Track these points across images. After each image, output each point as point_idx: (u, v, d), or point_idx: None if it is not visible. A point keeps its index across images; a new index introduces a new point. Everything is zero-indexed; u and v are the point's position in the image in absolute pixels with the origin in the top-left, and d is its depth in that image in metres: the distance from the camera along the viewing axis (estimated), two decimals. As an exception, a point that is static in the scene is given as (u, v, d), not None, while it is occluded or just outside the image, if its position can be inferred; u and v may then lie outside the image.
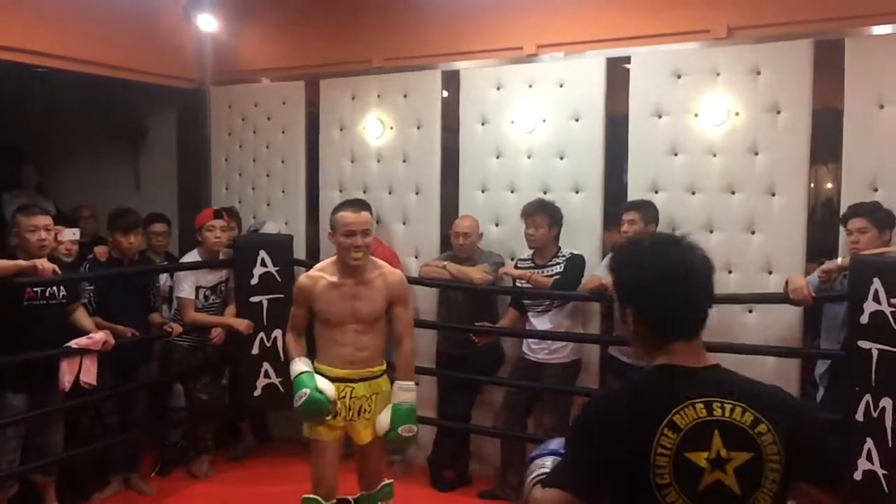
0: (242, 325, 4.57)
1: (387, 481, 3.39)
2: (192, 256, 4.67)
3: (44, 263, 3.62)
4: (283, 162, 5.40)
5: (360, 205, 3.25)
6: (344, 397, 3.21)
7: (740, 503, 1.44)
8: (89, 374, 3.84)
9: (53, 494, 3.99)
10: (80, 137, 6.37)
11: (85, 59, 4.87)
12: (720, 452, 1.43)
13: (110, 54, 5.01)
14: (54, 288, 3.83)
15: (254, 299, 4.64)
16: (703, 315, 1.55)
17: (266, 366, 4.67)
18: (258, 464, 4.96)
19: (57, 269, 3.70)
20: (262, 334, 4.65)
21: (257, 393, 4.67)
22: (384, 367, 3.33)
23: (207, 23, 5.41)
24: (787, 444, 1.45)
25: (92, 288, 4.23)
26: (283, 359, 4.67)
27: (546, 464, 1.65)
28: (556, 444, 1.72)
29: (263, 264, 4.65)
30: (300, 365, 3.23)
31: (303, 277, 3.33)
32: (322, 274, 3.25)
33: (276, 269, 4.67)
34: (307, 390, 3.12)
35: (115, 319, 4.17)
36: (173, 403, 4.87)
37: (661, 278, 1.51)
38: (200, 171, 5.71)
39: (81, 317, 4.02)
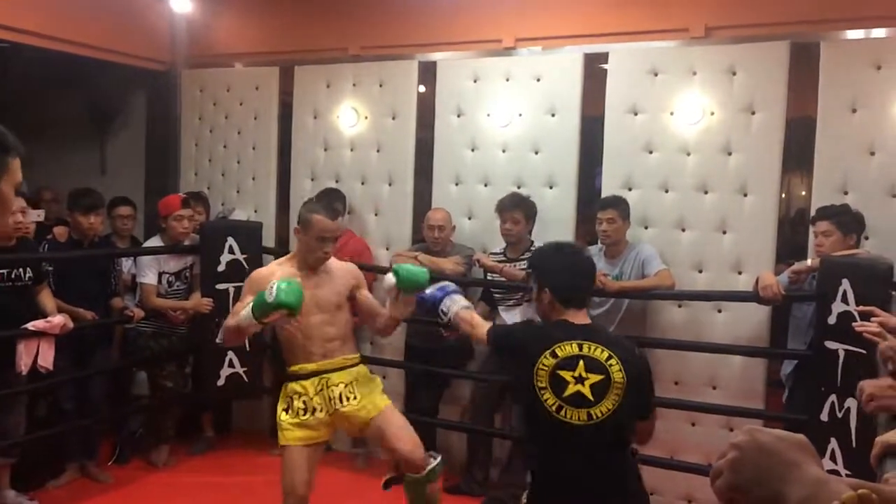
0: (202, 305, 4.49)
1: (435, 462, 3.10)
2: (155, 242, 4.57)
3: None
4: (254, 148, 5.32)
5: (334, 211, 3.23)
6: (321, 390, 3.06)
7: (592, 405, 2.29)
8: (46, 359, 3.74)
9: (8, 481, 3.88)
10: (44, 117, 6.20)
11: (50, 35, 4.73)
12: (582, 374, 2.30)
13: (78, 31, 4.89)
14: (20, 269, 3.73)
15: (220, 286, 4.55)
16: (586, 294, 2.53)
17: (230, 355, 4.58)
18: (219, 454, 4.87)
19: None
20: (227, 322, 4.56)
21: (221, 382, 4.59)
22: (359, 356, 3.22)
23: (181, 4, 5.30)
24: (628, 372, 2.31)
25: (51, 269, 4.11)
26: (248, 349, 4.63)
27: (462, 300, 2.87)
28: (451, 286, 2.87)
29: (231, 251, 4.57)
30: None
31: (259, 270, 3.23)
32: (279, 268, 3.13)
33: (244, 256, 4.59)
34: (271, 283, 2.80)
35: (73, 302, 4.06)
36: (136, 391, 4.76)
37: (569, 271, 2.45)
38: (169, 156, 5.60)
39: (45, 299, 3.92)
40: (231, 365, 4.60)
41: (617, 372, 2.29)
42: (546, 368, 2.30)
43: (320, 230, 3.05)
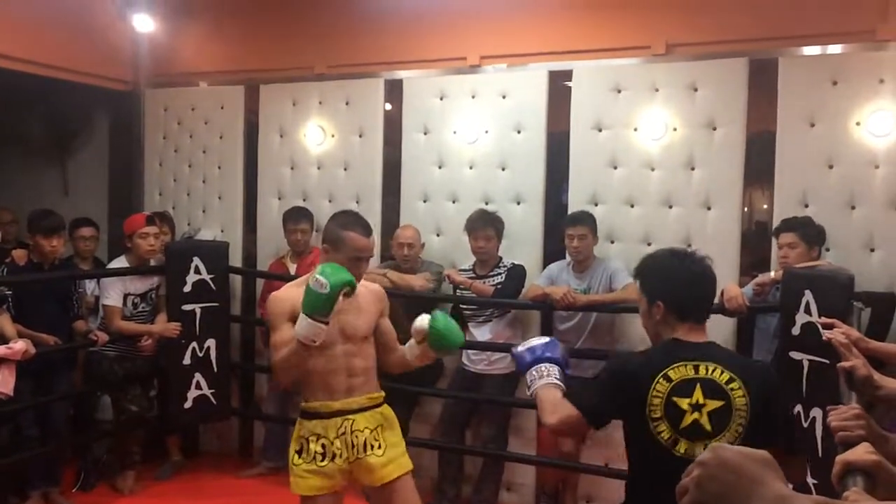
0: (169, 330, 4.42)
1: None
2: (120, 263, 4.49)
3: None
4: (220, 168, 5.27)
5: (368, 226, 2.76)
6: (343, 433, 2.71)
7: (710, 438, 1.95)
8: (6, 385, 3.64)
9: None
10: (5, 138, 6.10)
11: (10, 55, 4.66)
12: (699, 399, 1.97)
13: (39, 51, 4.81)
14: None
15: (186, 307, 4.49)
16: (710, 307, 2.18)
17: (198, 377, 4.53)
18: (186, 478, 4.78)
19: None
20: (194, 344, 4.51)
21: (188, 405, 4.52)
22: (383, 394, 2.87)
23: (143, 23, 5.26)
24: (754, 398, 1.99)
25: (10, 293, 4.02)
26: (215, 370, 4.57)
27: (552, 372, 2.18)
28: (544, 348, 2.25)
29: (197, 272, 4.52)
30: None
31: (279, 292, 2.75)
32: (298, 289, 2.65)
33: (211, 276, 4.55)
34: (313, 277, 2.47)
35: (34, 326, 3.98)
36: (101, 416, 4.67)
37: (689, 280, 2.10)
38: (133, 176, 5.53)
39: (4, 324, 3.83)
40: (198, 387, 4.54)
41: (739, 397, 1.98)
42: (661, 395, 1.98)
43: (354, 249, 2.66)
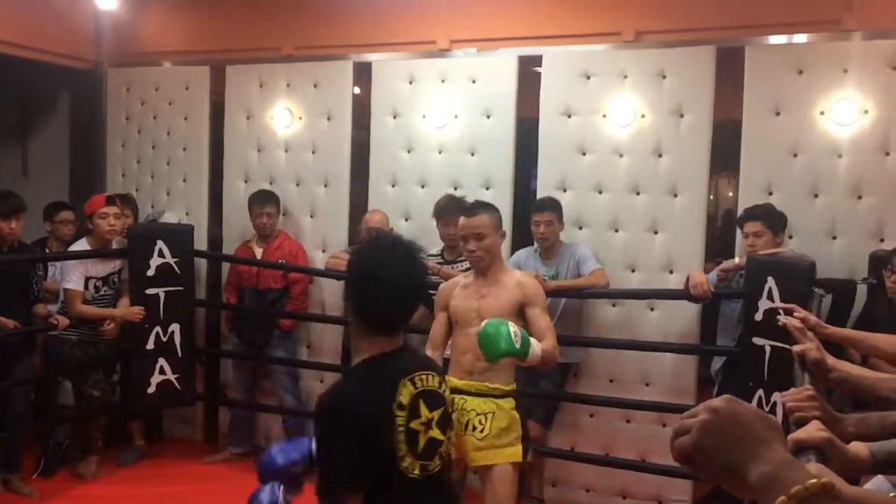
0: (132, 314, 4.36)
1: None
2: (81, 245, 4.39)
3: None
4: (184, 149, 5.18)
5: (473, 207, 3.08)
6: (455, 410, 2.66)
7: (443, 445, 1.84)
8: (-37, 369, 3.57)
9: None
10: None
11: (-34, 31, 4.53)
12: (425, 415, 1.79)
13: (-3, 28, 4.68)
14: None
15: (150, 291, 4.42)
16: (410, 317, 1.88)
17: (161, 361, 4.47)
18: (149, 464, 4.73)
19: None
20: (157, 328, 4.45)
21: (151, 390, 4.46)
22: (511, 387, 2.92)
23: (105, 0, 5.12)
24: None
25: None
26: (179, 355, 4.51)
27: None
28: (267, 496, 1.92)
29: (161, 255, 4.44)
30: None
31: (444, 283, 3.18)
32: (459, 279, 3.11)
33: (175, 260, 4.47)
34: (508, 331, 2.55)
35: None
36: (62, 401, 4.58)
37: (383, 283, 1.75)
38: (95, 157, 5.40)
39: None
40: (162, 372, 4.48)
41: (448, 395, 1.99)
42: (403, 428, 1.80)
43: (456, 228, 3.22)
